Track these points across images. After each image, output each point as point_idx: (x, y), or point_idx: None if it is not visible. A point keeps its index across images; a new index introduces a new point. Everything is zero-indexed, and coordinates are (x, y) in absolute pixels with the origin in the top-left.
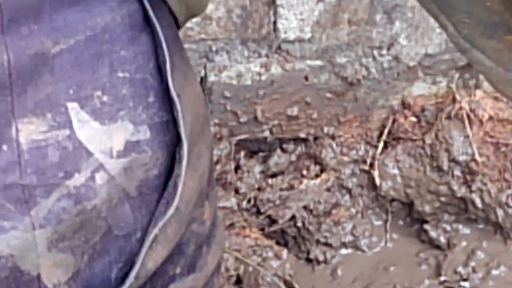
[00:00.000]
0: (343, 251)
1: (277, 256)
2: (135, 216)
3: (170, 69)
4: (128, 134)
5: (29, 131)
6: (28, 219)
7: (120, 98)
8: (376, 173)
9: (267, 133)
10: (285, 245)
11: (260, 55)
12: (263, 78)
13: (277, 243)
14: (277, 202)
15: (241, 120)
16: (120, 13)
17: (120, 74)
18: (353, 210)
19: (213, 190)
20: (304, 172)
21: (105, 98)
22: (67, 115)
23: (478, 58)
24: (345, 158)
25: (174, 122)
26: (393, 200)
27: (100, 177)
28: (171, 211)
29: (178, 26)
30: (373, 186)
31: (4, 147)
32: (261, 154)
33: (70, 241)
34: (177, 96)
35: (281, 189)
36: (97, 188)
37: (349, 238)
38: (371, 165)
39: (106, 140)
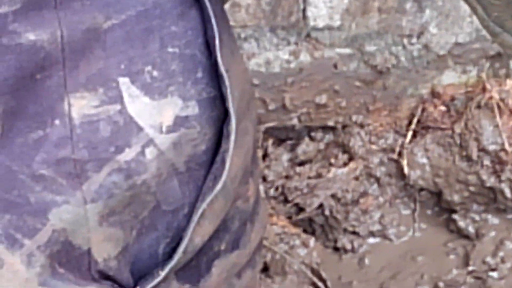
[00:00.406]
0: (371, 240)
1: (304, 244)
2: (183, 191)
3: (219, 45)
4: (177, 109)
5: (81, 105)
6: (80, 193)
7: (170, 73)
8: (404, 162)
9: (295, 121)
10: (313, 233)
11: (289, 43)
12: (292, 65)
13: (304, 231)
14: (305, 190)
15: (270, 107)
16: None
17: (170, 49)
18: (381, 199)
19: (257, 168)
20: (332, 160)
21: (155, 73)
22: (118, 90)
23: (510, 42)
24: (374, 147)
25: (221, 98)
26: (421, 189)
27: (150, 152)
28: (219, 186)
29: (223, 2)
30: (401, 175)
31: (57, 121)
32: (289, 142)
33: (120, 216)
34: (225, 71)
35: (309, 177)
36: (147, 163)
37: (377, 227)
38: (400, 154)
39: (156, 115)
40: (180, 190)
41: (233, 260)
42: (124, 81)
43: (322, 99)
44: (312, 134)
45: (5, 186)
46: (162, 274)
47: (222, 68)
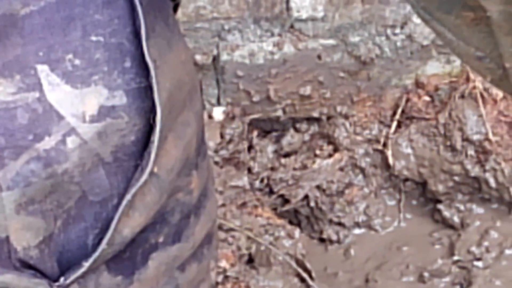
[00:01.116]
0: (356, 230)
1: (290, 236)
2: (110, 182)
3: (145, 34)
4: (102, 99)
5: None
6: None
7: (94, 62)
8: (389, 153)
9: (280, 113)
10: (298, 224)
11: (272, 34)
12: (275, 57)
13: (290, 222)
14: (290, 181)
15: (254, 99)
16: None
17: (94, 38)
18: (366, 190)
19: (204, 160)
20: (317, 151)
21: (77, 62)
22: (37, 77)
23: (440, 30)
24: (359, 138)
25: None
26: (406, 179)
27: (71, 141)
28: (144, 177)
29: None
30: (386, 165)
31: None
32: (274, 133)
33: (40, 205)
34: (152, 61)
35: (294, 169)
36: (68, 152)
37: (362, 217)
38: (385, 145)
39: (78, 104)
40: (107, 180)
41: (174, 253)
42: (42, 69)
43: (307, 90)
44: (297, 125)
45: None
46: (86, 265)
47: (148, 58)
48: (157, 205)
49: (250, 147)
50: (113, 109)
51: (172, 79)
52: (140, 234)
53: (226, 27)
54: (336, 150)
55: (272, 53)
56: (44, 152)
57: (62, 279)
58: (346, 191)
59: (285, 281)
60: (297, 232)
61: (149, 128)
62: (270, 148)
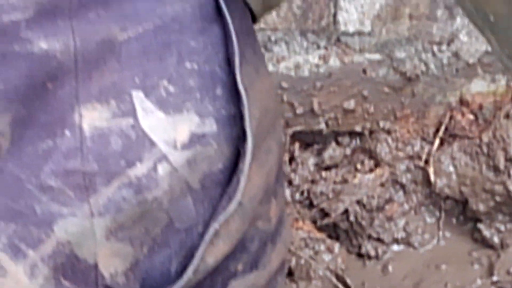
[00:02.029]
0: (395, 247)
1: (329, 250)
2: (197, 209)
3: (239, 62)
4: (193, 126)
5: (92, 117)
6: (87, 206)
7: (187, 89)
8: (431, 170)
9: (322, 126)
10: (337, 238)
11: (319, 47)
12: (321, 70)
13: (329, 236)
14: (330, 195)
15: (297, 111)
16: (191, 2)
17: (188, 65)
18: (406, 206)
19: (281, 187)
20: (359, 166)
21: (171, 88)
22: (132, 103)
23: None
24: (400, 154)
25: (241, 116)
26: (447, 197)
27: (162, 168)
28: (232, 206)
29: (254, 19)
30: (427, 182)
31: (67, 132)
32: (315, 146)
33: (129, 231)
34: (244, 90)
35: (335, 182)
36: (159, 179)
37: (401, 234)
38: (426, 162)
39: (171, 130)
40: (194, 208)
41: (251, 281)
42: (137, 95)
43: (350, 104)
44: (339, 139)
45: (12, 195)
46: None
47: (240, 87)
48: (240, 233)
49: (292, 159)
50: (203, 136)
51: (260, 107)
52: (221, 262)
53: (273, 38)
54: (377, 165)
55: (317, 66)
56: (135, 178)
57: None
58: (386, 207)
59: None
60: (336, 247)
61: (236, 156)
62: (311, 161)
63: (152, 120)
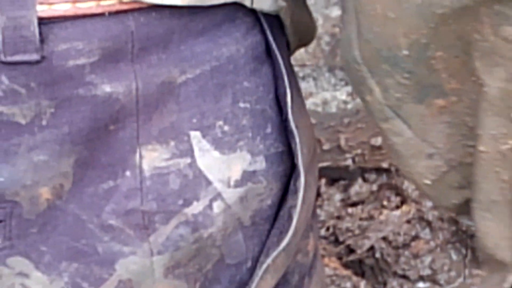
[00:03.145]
0: (421, 284)
1: (355, 287)
2: (247, 245)
3: (290, 102)
4: (245, 164)
5: (152, 158)
6: (147, 245)
7: (240, 128)
8: None
9: (349, 162)
10: (362, 275)
11: (347, 83)
12: (348, 106)
13: (355, 273)
14: (356, 231)
15: (324, 147)
16: (245, 44)
17: (242, 105)
18: (432, 243)
19: (316, 222)
20: (385, 202)
21: (226, 128)
22: (189, 143)
23: (398, 129)
24: None
25: (287, 153)
26: (473, 235)
27: (217, 206)
28: (285, 241)
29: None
30: (453, 220)
31: (128, 173)
32: (342, 182)
33: (185, 268)
34: (296, 128)
35: (361, 219)
36: (214, 216)
37: (427, 271)
38: None
39: (225, 169)
40: (244, 244)
41: None
42: (195, 135)
43: (377, 141)
44: (366, 175)
45: (74, 234)
46: None
47: (292, 125)
48: (284, 267)
49: (318, 195)
50: (254, 174)
51: (306, 144)
52: None
53: (301, 74)
54: (403, 202)
55: (345, 102)
56: (192, 216)
57: None
58: (412, 244)
59: None
60: (362, 284)
61: (284, 192)
62: (337, 197)
63: (209, 160)
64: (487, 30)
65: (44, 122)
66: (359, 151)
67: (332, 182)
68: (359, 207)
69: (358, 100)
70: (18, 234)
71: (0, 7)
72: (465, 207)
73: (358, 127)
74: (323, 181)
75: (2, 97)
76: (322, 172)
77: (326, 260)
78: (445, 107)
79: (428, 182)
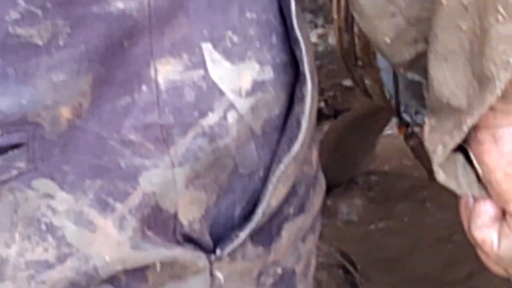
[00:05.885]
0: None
1: None
2: (259, 155)
3: (295, 10)
4: (255, 74)
5: (166, 71)
6: (168, 157)
7: (248, 39)
8: None
9: (322, 105)
10: None
11: (316, 26)
12: (319, 48)
13: None
14: None
15: None
16: None
17: (248, 15)
18: None
19: (316, 133)
20: None
21: (235, 38)
22: (202, 55)
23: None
24: None
25: (291, 63)
26: None
27: (231, 116)
28: (295, 148)
29: None
30: None
31: (144, 87)
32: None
33: (204, 179)
34: (301, 36)
35: None
36: (229, 126)
37: None
38: None
39: (236, 79)
40: (256, 153)
41: (299, 223)
42: (207, 47)
43: (350, 82)
44: (339, 117)
45: (95, 152)
46: (243, 236)
47: (298, 33)
48: (294, 176)
49: None
50: (263, 83)
51: (309, 54)
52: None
53: None
54: None
55: (315, 44)
56: (208, 128)
57: (218, 250)
58: None
59: None
60: None
61: (290, 102)
62: None
63: (220, 70)
64: None
65: (61, 42)
66: (331, 93)
67: None
68: None
69: (328, 42)
70: (41, 156)
71: None
72: (416, 62)
73: (330, 69)
74: None
75: (19, 19)
76: None
77: None
78: None
79: (387, 40)
